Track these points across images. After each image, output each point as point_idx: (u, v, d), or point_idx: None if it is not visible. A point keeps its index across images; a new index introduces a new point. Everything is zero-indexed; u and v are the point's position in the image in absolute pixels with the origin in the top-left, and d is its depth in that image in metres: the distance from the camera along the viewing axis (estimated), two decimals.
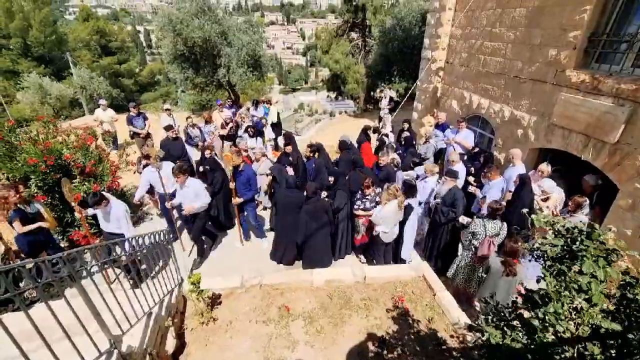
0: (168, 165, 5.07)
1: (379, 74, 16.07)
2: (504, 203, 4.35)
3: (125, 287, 2.62)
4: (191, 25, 11.36)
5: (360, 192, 4.83)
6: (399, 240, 4.77)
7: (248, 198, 5.12)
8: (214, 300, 3.71)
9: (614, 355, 1.50)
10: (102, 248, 2.35)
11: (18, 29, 26.58)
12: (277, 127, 9.22)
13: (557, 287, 1.58)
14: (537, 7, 5.36)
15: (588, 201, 4.20)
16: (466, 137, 6.67)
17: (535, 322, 1.63)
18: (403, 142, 7.21)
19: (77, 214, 4.14)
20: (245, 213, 5.30)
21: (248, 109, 9.10)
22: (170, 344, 3.07)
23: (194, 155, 7.07)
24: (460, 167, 5.55)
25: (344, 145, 6.30)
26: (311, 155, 6.04)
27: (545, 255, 1.69)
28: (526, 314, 1.78)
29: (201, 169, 5.74)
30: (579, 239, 1.57)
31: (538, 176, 4.88)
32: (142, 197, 5.46)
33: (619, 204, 4.33)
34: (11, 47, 27.19)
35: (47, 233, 4.24)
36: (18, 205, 3.92)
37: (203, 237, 5.12)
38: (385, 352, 3.19)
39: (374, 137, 7.63)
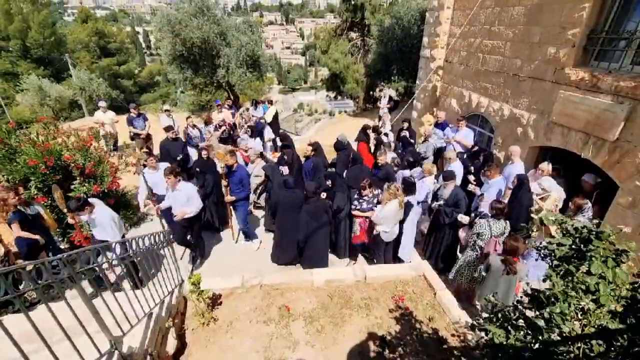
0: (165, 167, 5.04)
1: (378, 73, 16.02)
2: (505, 201, 4.34)
3: (126, 287, 2.62)
4: (190, 26, 11.35)
5: (357, 192, 4.81)
6: (398, 238, 4.77)
7: (240, 197, 5.13)
8: (215, 301, 3.71)
9: (620, 356, 1.47)
10: (78, 255, 2.00)
11: (17, 31, 26.59)
12: (272, 126, 9.17)
13: (563, 287, 1.55)
14: (536, 5, 5.35)
15: (590, 204, 4.15)
16: (466, 136, 6.67)
17: (541, 322, 1.59)
18: (402, 141, 7.20)
19: (69, 220, 4.13)
20: (236, 213, 5.31)
21: (247, 110, 9.10)
22: (171, 345, 3.07)
23: (194, 155, 7.07)
24: (457, 165, 5.55)
25: (340, 146, 6.28)
26: (312, 153, 6.03)
27: (553, 254, 1.65)
28: (529, 313, 1.75)
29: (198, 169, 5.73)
30: (588, 238, 1.53)
31: (538, 174, 4.88)
32: (147, 201, 5.25)
33: (619, 202, 4.32)
34: (10, 49, 27.19)
35: (47, 234, 4.23)
36: (18, 207, 3.92)
37: (195, 239, 5.03)
38: (386, 351, 3.19)
39: (373, 137, 7.62)
